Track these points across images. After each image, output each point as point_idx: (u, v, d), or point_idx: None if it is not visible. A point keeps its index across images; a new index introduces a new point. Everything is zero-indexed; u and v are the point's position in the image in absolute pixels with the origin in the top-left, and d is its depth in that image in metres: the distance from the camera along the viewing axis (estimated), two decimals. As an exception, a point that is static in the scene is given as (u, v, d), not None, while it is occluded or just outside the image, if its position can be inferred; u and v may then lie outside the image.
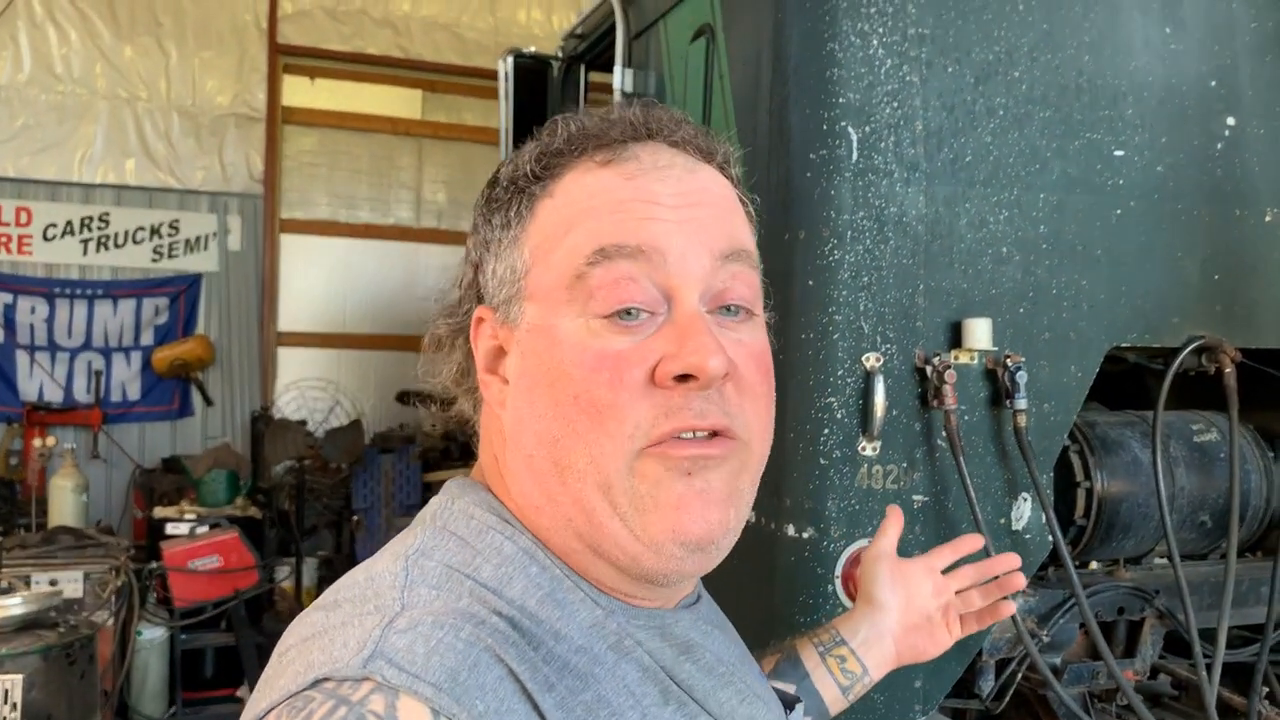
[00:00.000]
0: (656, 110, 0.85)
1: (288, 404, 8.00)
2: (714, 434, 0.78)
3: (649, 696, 0.77)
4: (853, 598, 2.03)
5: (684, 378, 0.76)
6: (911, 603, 1.25)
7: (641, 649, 0.79)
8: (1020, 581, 1.25)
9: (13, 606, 3.41)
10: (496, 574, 0.78)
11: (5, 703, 2.86)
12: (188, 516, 5.93)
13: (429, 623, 0.70)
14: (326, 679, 0.67)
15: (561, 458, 0.77)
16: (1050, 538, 2.13)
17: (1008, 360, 2.08)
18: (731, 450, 0.78)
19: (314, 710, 0.65)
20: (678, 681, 0.81)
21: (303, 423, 7.66)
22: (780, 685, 1.02)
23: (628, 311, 0.77)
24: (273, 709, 0.67)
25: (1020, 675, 2.22)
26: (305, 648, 0.72)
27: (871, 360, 2.03)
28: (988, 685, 2.22)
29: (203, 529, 5.70)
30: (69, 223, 7.53)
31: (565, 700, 0.72)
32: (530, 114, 3.48)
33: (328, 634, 0.72)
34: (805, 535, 2.04)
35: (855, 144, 2.04)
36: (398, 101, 8.49)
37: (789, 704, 1.00)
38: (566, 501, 0.78)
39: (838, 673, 1.20)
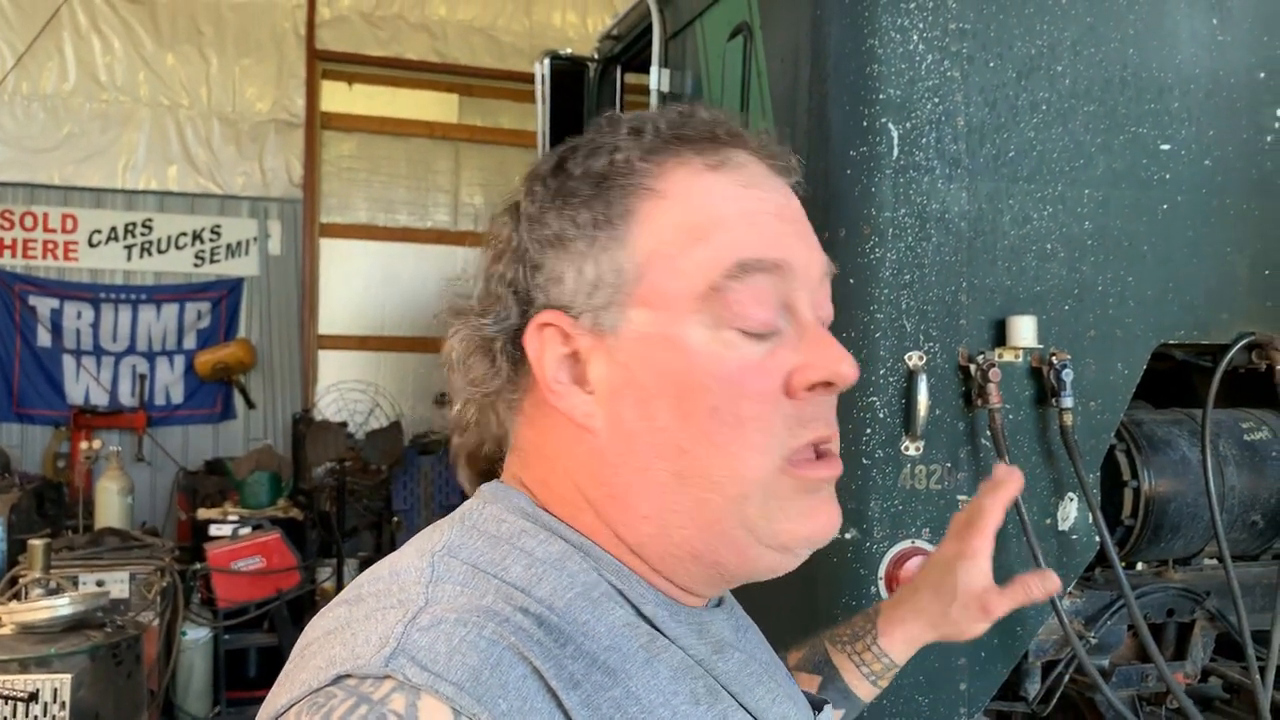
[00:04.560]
0: (732, 118, 0.85)
1: (328, 406, 8.07)
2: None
3: (680, 695, 0.76)
4: (896, 599, 2.01)
5: (815, 385, 0.78)
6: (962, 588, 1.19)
7: (675, 647, 0.78)
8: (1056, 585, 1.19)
9: (61, 607, 3.46)
10: (526, 574, 0.76)
11: (54, 701, 2.90)
12: (230, 518, 6.00)
13: (452, 620, 0.69)
14: (348, 676, 0.67)
15: (689, 469, 0.76)
16: (1097, 538, 2.10)
17: (1053, 358, 2.05)
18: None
19: (334, 707, 0.64)
20: (715, 675, 0.80)
21: (343, 424, 7.72)
22: (807, 689, 1.00)
23: (765, 335, 0.78)
24: (294, 704, 0.67)
25: (1067, 678, 2.19)
26: (328, 641, 0.71)
27: (914, 359, 2.01)
28: (1034, 688, 2.19)
29: (245, 530, 5.77)
30: (113, 229, 7.65)
31: (591, 697, 0.70)
32: (567, 116, 3.49)
33: (350, 628, 0.71)
34: (848, 536, 2.02)
35: (896, 140, 2.02)
36: (434, 105, 8.54)
37: (817, 706, 0.98)
38: (681, 511, 0.77)
39: (866, 666, 1.19)
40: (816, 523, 0.81)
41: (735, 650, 0.85)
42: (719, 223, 0.78)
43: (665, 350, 0.76)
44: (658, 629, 0.79)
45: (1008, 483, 1.17)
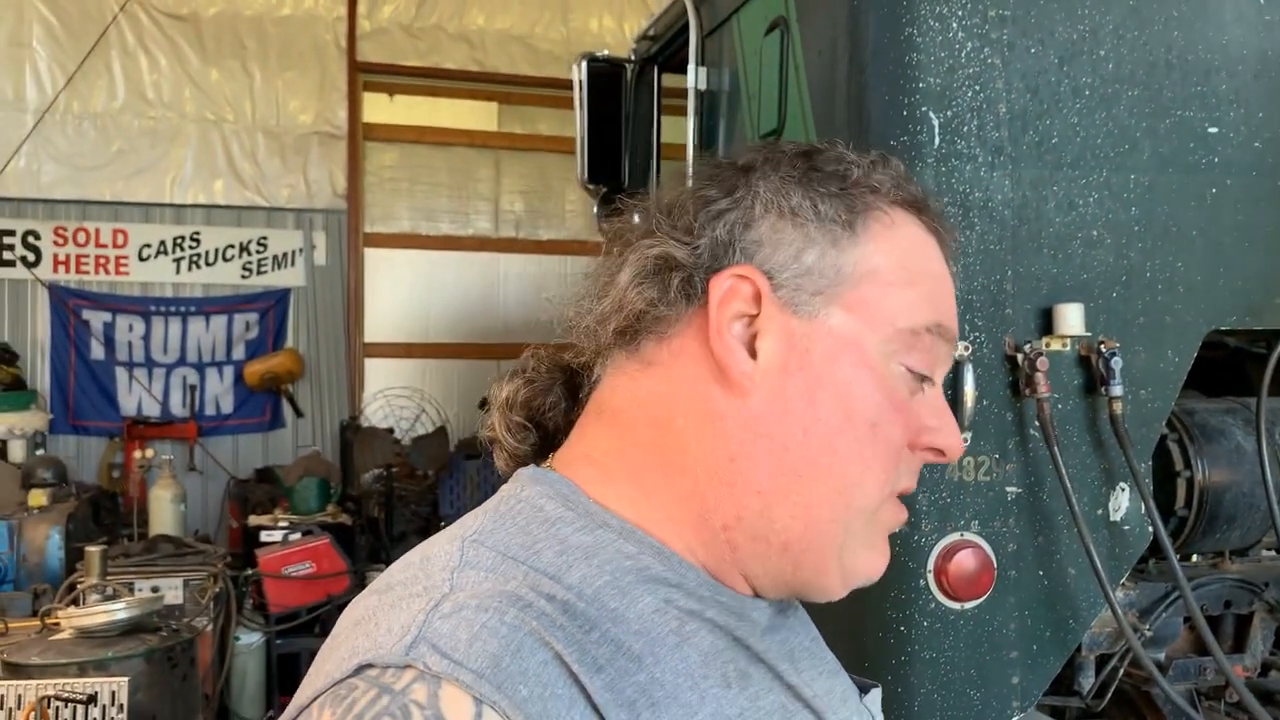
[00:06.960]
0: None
1: (375, 413, 8.15)
2: None
3: (710, 679, 0.75)
4: (946, 593, 1.99)
5: (932, 449, 0.84)
6: None
7: (706, 632, 0.78)
8: None
9: (118, 611, 3.51)
10: (557, 561, 0.76)
11: (112, 704, 2.95)
12: (281, 524, 6.06)
13: (473, 606, 0.69)
14: (370, 665, 0.67)
15: (827, 467, 0.79)
16: (1150, 529, 2.06)
17: (1102, 346, 2.02)
18: None
19: (356, 699, 0.64)
20: (756, 651, 0.80)
21: (390, 431, 7.79)
22: (857, 676, 1.00)
23: (926, 379, 0.83)
24: (318, 696, 0.67)
25: (1122, 671, 2.15)
26: (354, 632, 0.71)
27: (960, 349, 1.99)
28: (1088, 682, 2.16)
29: (295, 536, 5.82)
30: (162, 243, 7.78)
31: (615, 681, 0.70)
32: (605, 118, 3.49)
33: (375, 617, 0.71)
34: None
35: (937, 129, 2.01)
36: (474, 115, 8.60)
37: (863, 689, 0.97)
38: (796, 500, 0.79)
39: None
40: (881, 562, 0.85)
41: (774, 634, 0.86)
42: (929, 278, 0.84)
43: (849, 353, 0.80)
44: (697, 609, 0.79)
45: None
